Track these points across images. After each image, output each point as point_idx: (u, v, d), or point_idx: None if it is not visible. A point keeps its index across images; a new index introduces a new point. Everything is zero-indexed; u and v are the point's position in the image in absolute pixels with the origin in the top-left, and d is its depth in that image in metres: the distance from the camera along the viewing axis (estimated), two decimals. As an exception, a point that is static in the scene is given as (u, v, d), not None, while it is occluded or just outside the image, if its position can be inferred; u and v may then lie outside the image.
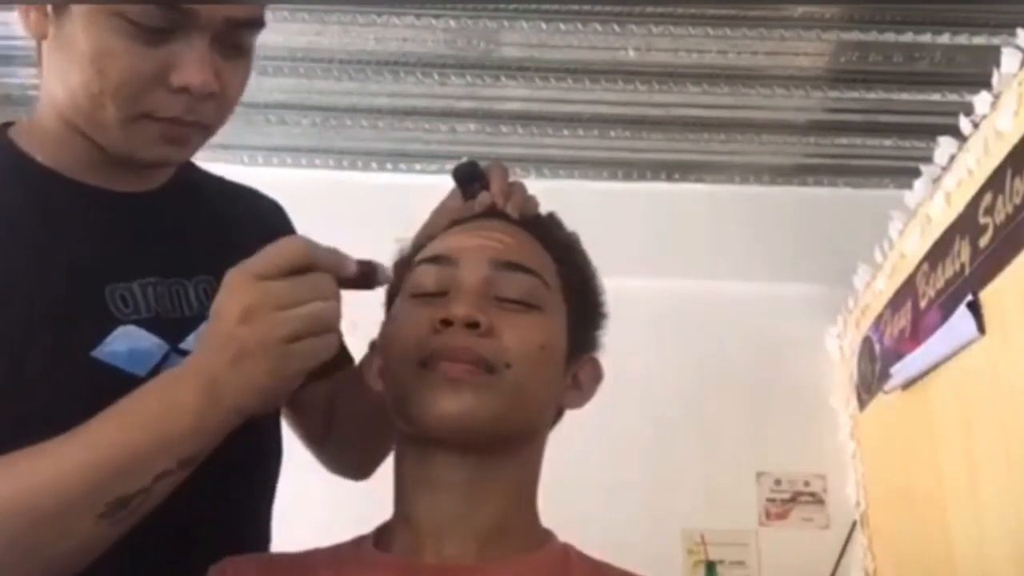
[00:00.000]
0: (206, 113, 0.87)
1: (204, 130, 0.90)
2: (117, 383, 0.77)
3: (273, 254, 0.73)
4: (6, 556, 0.70)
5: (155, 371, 0.85)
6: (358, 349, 0.98)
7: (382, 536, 0.83)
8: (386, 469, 0.86)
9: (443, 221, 0.91)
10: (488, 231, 0.85)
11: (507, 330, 0.78)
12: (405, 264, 0.88)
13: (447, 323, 0.77)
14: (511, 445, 0.80)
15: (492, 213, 0.90)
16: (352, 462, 1.14)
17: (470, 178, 0.93)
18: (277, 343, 0.70)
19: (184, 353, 0.86)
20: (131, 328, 0.87)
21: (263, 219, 1.05)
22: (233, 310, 0.71)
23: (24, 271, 0.84)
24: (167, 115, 0.85)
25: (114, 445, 0.72)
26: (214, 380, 0.72)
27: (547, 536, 0.84)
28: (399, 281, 0.86)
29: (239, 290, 0.72)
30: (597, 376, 0.88)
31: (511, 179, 0.95)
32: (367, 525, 0.85)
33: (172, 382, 0.75)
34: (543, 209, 0.94)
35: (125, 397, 0.74)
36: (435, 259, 0.83)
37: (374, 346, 0.87)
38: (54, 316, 0.84)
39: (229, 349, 0.71)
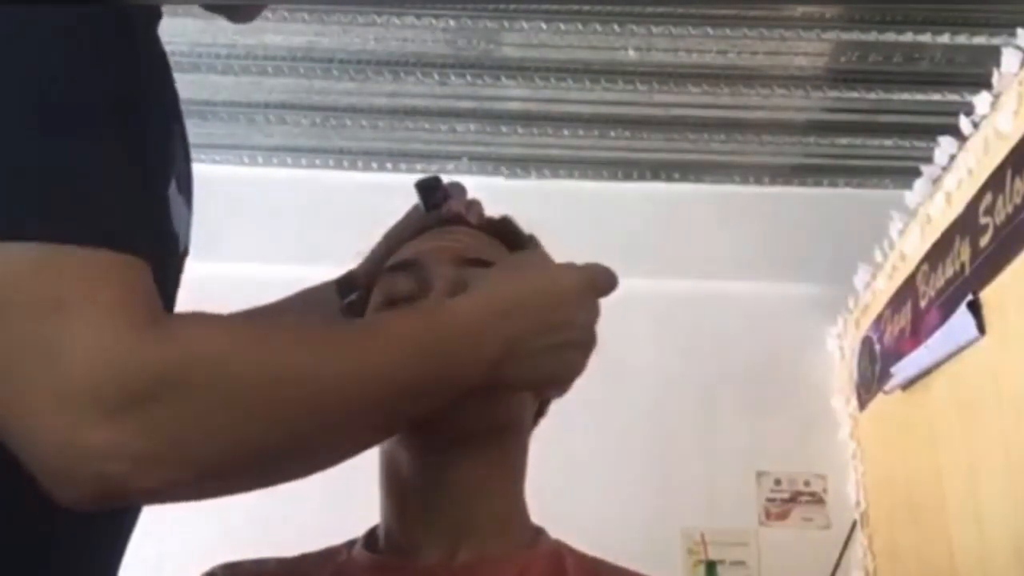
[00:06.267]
0: None
1: None
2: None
3: (613, 280, 0.76)
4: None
5: None
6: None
7: (372, 538, 0.84)
8: (372, 473, 0.85)
9: (405, 233, 0.93)
10: (450, 234, 0.88)
11: None
12: (372, 276, 0.90)
13: None
14: (492, 439, 0.81)
15: (452, 220, 0.92)
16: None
17: (432, 191, 0.95)
18: (590, 343, 0.75)
19: None
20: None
21: None
22: (580, 301, 0.74)
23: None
24: None
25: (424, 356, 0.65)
26: (517, 344, 0.70)
27: (539, 533, 0.84)
28: (367, 294, 0.88)
29: (586, 298, 0.75)
30: None
31: (470, 196, 0.97)
32: (356, 530, 0.85)
33: (481, 326, 0.69)
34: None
35: (431, 320, 0.69)
36: (402, 265, 0.86)
37: None
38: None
39: (561, 316, 0.72)
